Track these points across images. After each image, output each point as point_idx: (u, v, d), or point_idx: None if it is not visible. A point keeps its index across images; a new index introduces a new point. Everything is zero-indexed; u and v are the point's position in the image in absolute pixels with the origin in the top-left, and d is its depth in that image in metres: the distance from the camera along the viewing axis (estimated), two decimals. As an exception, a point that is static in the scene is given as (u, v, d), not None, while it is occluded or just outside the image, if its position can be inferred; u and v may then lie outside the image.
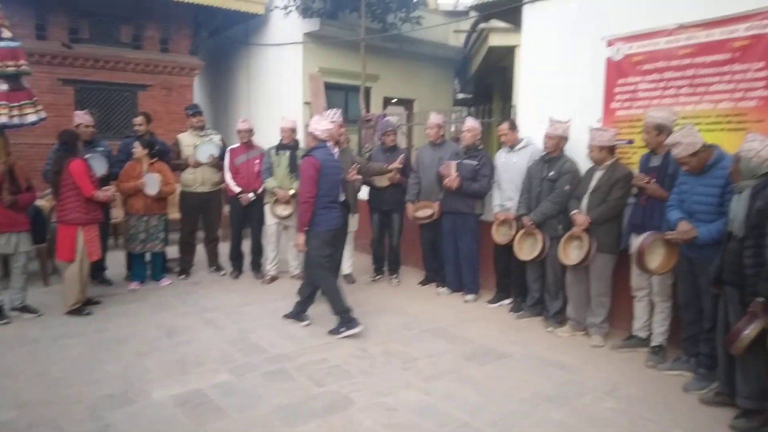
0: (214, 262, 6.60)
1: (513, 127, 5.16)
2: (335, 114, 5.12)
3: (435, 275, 6.07)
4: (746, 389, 3.13)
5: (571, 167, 4.58)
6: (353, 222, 6.03)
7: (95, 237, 4.90)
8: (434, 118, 5.79)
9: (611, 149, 4.29)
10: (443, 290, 5.83)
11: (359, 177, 5.05)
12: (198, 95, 11.29)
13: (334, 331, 4.46)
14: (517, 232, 4.88)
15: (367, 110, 9.37)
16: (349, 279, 6.22)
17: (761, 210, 2.94)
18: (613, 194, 4.19)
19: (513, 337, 4.55)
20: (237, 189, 6.03)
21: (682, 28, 4.08)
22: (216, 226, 6.55)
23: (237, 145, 6.18)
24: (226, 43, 11.42)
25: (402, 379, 3.69)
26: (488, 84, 13.25)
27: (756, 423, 3.08)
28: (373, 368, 3.86)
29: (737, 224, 3.08)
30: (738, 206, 3.09)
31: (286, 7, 9.22)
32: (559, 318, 4.77)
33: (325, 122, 4.66)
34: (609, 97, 4.60)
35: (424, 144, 6.10)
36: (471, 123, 5.47)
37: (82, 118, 5.71)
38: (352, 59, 9.46)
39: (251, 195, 6.01)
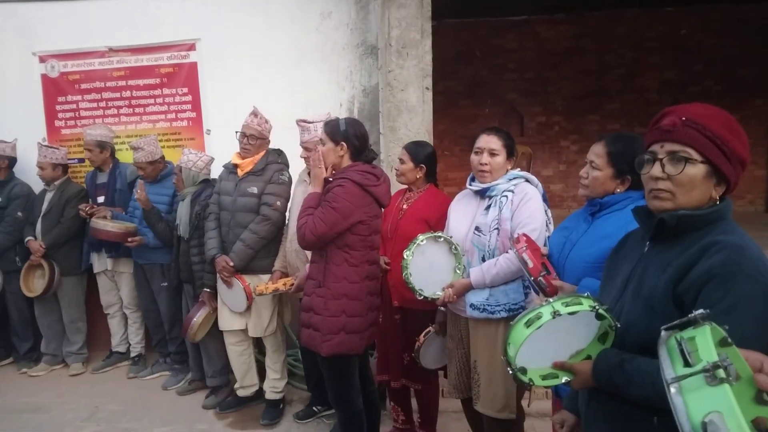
0: None
1: None
2: None
3: None
4: (212, 370, 3.64)
5: (23, 191, 4.18)
6: None
7: None
8: None
9: (65, 168, 4.15)
10: None
11: None
12: None
13: None
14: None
15: None
16: None
17: (199, 214, 3.44)
18: (67, 213, 4.05)
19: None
20: None
21: (113, 51, 4.29)
22: None
23: None
24: None
25: None
26: None
27: (222, 396, 3.62)
28: None
29: (183, 227, 3.52)
30: (182, 211, 3.53)
31: None
32: (32, 356, 4.31)
33: None
34: (51, 114, 4.39)
35: None
36: None
37: None
38: None
39: None
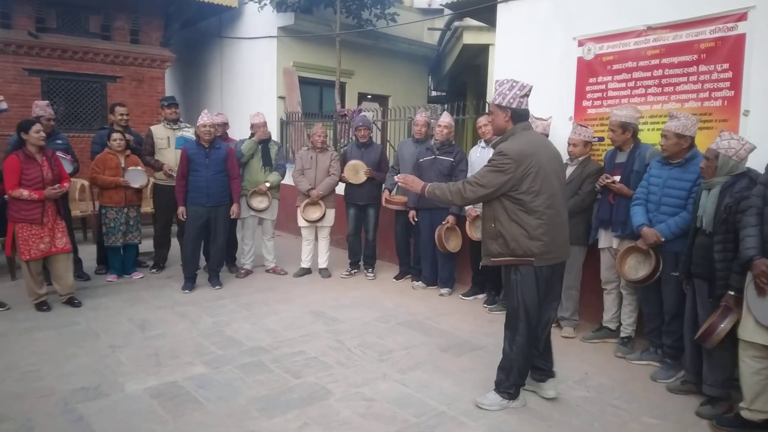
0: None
1: None
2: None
3: (410, 269, 6.13)
4: (712, 378, 3.25)
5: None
6: (329, 216, 6.07)
7: (28, 236, 4.52)
8: (422, 116, 5.81)
9: (588, 145, 4.41)
10: (418, 284, 5.87)
11: None
12: (170, 87, 11.11)
13: None
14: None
15: (342, 106, 9.37)
16: (325, 273, 6.24)
17: (729, 206, 3.06)
18: (585, 188, 4.28)
19: (487, 329, 4.63)
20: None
21: (651, 29, 4.22)
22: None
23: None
24: (199, 36, 11.27)
25: (379, 371, 3.73)
26: (462, 82, 13.37)
27: (721, 410, 3.21)
28: (349, 360, 3.89)
29: (706, 219, 3.21)
30: (707, 202, 3.21)
31: (260, 1, 9.16)
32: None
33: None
34: (580, 95, 4.71)
35: (406, 140, 6.16)
36: (446, 119, 5.50)
37: (43, 110, 5.40)
38: (326, 54, 9.46)
39: None
